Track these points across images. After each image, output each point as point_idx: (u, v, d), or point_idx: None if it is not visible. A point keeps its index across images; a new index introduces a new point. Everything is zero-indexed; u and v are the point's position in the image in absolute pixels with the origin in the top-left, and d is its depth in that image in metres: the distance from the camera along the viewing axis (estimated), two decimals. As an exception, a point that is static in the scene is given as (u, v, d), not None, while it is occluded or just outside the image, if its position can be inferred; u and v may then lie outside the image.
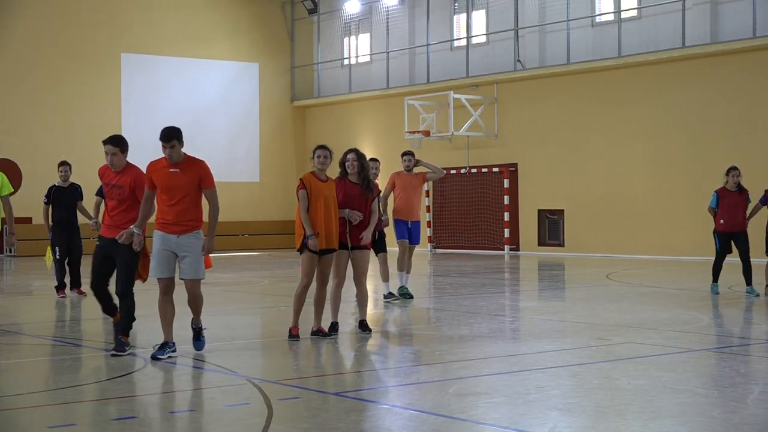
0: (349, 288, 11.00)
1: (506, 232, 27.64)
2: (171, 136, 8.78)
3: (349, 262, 10.44)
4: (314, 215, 9.89)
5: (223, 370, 8.32)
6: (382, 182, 14.86)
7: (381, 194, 13.35)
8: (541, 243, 27.26)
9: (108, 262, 9.32)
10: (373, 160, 13.39)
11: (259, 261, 25.84)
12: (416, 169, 14.41)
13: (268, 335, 11.35)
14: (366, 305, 10.65)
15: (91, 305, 13.22)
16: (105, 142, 9.26)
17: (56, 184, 15.17)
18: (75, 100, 29.49)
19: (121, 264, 9.18)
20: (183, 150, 8.87)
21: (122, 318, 9.20)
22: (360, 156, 10.44)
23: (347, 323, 11.00)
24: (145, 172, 9.05)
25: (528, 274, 20.78)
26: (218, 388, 7.57)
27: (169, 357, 8.73)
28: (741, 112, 22.80)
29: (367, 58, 32.37)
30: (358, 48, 33.10)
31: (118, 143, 9.29)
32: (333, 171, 10.29)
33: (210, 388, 7.60)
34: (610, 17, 25.69)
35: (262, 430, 6.09)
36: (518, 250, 27.53)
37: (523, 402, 6.97)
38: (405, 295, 14.09)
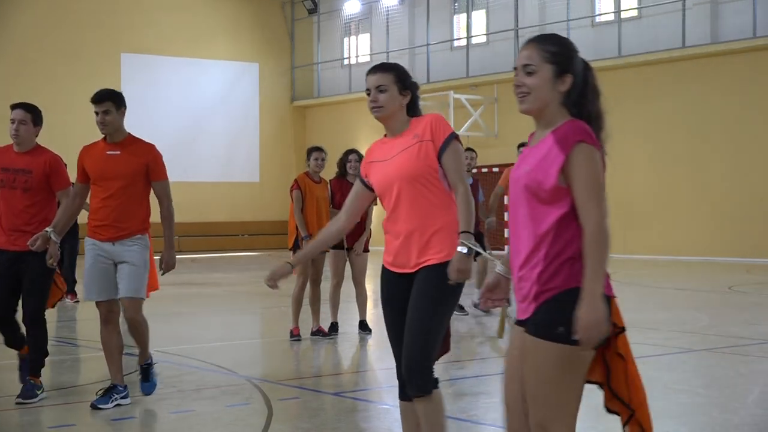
0: (348, 289, 10.99)
1: (506, 232, 27.59)
2: (104, 96, 6.58)
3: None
4: (307, 216, 9.96)
5: (223, 370, 8.32)
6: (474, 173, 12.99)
7: (493, 191, 12.59)
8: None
9: (12, 282, 6.95)
10: (469, 150, 12.42)
11: (259, 261, 25.83)
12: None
13: (268, 335, 11.35)
14: (366, 305, 10.65)
15: (89, 305, 13.21)
16: (14, 107, 6.94)
17: None
18: (75, 100, 29.45)
19: (30, 282, 6.89)
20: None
21: (31, 353, 7.03)
22: (362, 157, 10.46)
23: (347, 323, 10.99)
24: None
25: (528, 274, 20.74)
26: (218, 388, 7.57)
27: (117, 405, 6.73)
28: (741, 112, 22.80)
29: (367, 58, 32.36)
30: (358, 48, 33.10)
31: (31, 110, 6.96)
32: (327, 173, 10.31)
33: (210, 388, 7.60)
34: (610, 17, 25.69)
35: (262, 430, 6.09)
36: (518, 250, 27.50)
37: (523, 402, 6.96)
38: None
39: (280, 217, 33.20)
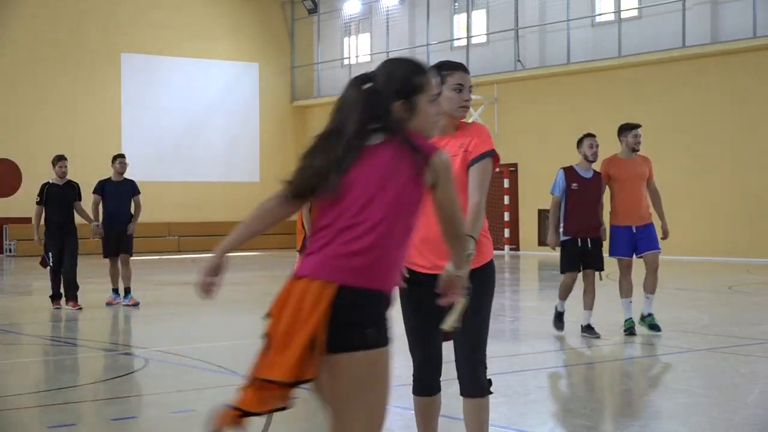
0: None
1: (506, 232, 27.62)
2: None
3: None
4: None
5: (223, 370, 8.31)
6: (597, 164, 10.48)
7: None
8: (542, 243, 27.21)
9: None
10: (588, 136, 10.18)
11: (260, 261, 25.83)
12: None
13: (268, 335, 11.33)
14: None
15: (90, 306, 13.20)
16: None
17: (50, 181, 13.32)
18: (75, 100, 29.46)
19: None
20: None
21: None
22: None
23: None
24: None
25: (528, 274, 20.76)
26: (218, 388, 7.56)
27: None
28: (741, 112, 22.80)
29: (367, 58, 32.36)
30: (358, 48, 33.10)
31: None
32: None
33: (210, 388, 7.60)
34: (610, 17, 25.69)
35: (262, 430, 6.08)
36: (518, 250, 27.52)
37: (523, 402, 6.97)
38: (631, 328, 10.18)
39: (280, 217, 33.17)
